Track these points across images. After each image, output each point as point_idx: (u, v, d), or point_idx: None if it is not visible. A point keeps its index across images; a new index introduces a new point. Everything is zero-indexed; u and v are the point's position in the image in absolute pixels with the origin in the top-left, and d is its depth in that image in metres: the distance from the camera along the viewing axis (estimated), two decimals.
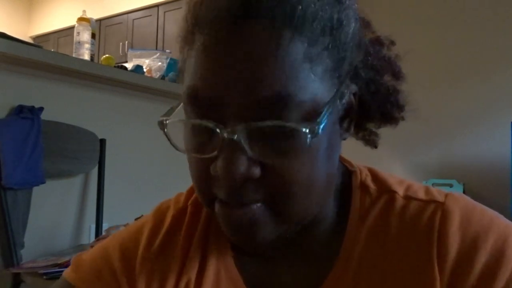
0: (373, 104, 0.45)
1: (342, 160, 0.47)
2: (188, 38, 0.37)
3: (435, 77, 2.76)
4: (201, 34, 0.35)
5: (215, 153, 0.35)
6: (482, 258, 0.37)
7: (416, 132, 2.64)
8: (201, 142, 0.37)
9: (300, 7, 0.34)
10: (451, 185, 2.53)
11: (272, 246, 0.40)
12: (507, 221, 0.41)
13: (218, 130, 0.34)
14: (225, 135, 0.34)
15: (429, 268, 0.38)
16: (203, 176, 0.37)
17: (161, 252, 0.47)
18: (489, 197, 2.46)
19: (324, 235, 0.44)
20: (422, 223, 0.40)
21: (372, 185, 0.44)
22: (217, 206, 0.37)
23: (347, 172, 0.47)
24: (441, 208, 0.40)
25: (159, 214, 0.50)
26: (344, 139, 0.42)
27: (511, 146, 2.32)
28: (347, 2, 0.38)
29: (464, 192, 2.49)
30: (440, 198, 0.42)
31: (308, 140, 0.34)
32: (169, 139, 0.40)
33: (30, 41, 5.25)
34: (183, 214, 0.49)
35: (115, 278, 0.47)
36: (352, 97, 0.41)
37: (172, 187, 2.44)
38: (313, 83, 0.35)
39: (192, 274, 0.45)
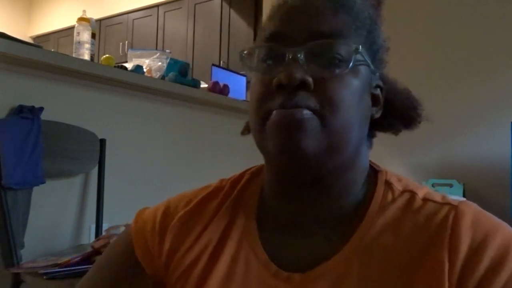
0: (396, 102, 0.56)
1: (369, 163, 0.56)
2: (266, 23, 0.52)
3: (435, 77, 2.76)
4: (282, 8, 0.50)
5: (280, 69, 0.46)
6: (490, 253, 0.42)
7: (416, 132, 2.64)
8: (270, 68, 0.48)
9: (351, 0, 0.50)
10: (451, 185, 2.53)
11: (310, 171, 0.47)
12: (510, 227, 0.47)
13: (285, 51, 0.46)
14: (291, 54, 0.46)
15: (439, 259, 0.43)
16: (265, 92, 0.47)
17: (192, 213, 0.56)
18: (489, 197, 2.46)
19: (344, 216, 0.50)
20: (436, 220, 0.46)
21: (396, 184, 0.52)
22: (272, 115, 0.46)
23: (374, 171, 0.54)
24: (454, 209, 0.46)
25: (201, 189, 0.60)
26: (372, 116, 0.52)
27: (511, 146, 2.33)
28: (378, 22, 0.53)
29: (464, 192, 2.49)
30: (454, 203, 0.48)
31: (345, 67, 0.46)
32: (244, 65, 0.52)
33: (30, 41, 5.25)
34: (220, 190, 0.59)
35: (154, 231, 0.56)
36: (379, 90, 0.53)
37: (172, 187, 2.45)
38: (353, 42, 0.47)
39: (215, 235, 0.53)
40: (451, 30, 2.75)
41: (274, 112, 0.45)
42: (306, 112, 0.44)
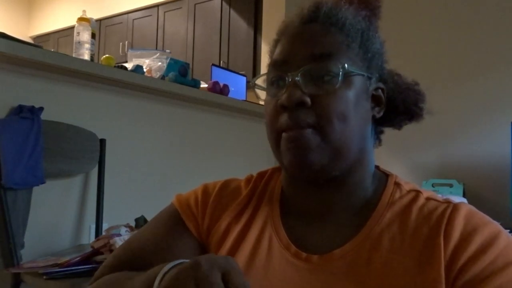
0: (397, 99, 0.62)
1: (380, 169, 0.63)
2: (275, 44, 0.61)
3: (435, 77, 2.76)
4: (283, 36, 0.59)
5: (283, 91, 0.54)
6: (478, 240, 0.49)
7: (416, 131, 2.64)
8: (276, 90, 0.57)
9: (342, 18, 0.57)
10: (451, 185, 2.53)
11: (320, 177, 0.55)
12: (502, 228, 0.52)
13: (286, 75, 0.55)
14: (290, 78, 0.54)
15: (436, 243, 0.50)
16: (273, 113, 0.56)
17: (228, 196, 0.66)
18: (489, 197, 2.46)
19: (356, 209, 0.58)
20: (436, 213, 0.53)
21: (404, 185, 0.59)
22: (282, 137, 0.54)
23: (384, 175, 0.62)
24: (452, 205, 0.54)
25: (234, 178, 0.70)
26: (374, 116, 0.59)
27: (511, 146, 2.33)
28: (371, 32, 0.60)
29: (464, 192, 2.49)
30: (453, 202, 0.55)
31: (336, 83, 0.53)
32: (256, 94, 0.62)
33: (30, 41, 5.25)
34: (250, 180, 0.68)
35: (197, 203, 0.66)
36: (380, 91, 0.60)
37: (172, 187, 2.44)
38: (346, 59, 0.55)
39: (245, 216, 0.62)
40: (451, 30, 2.75)
41: (283, 134, 0.54)
42: (308, 132, 0.52)
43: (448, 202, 0.55)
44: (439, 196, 0.57)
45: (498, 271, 0.47)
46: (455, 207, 0.53)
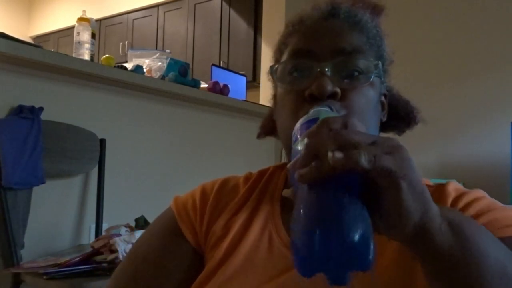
0: (399, 106, 0.65)
1: None
2: (287, 39, 0.61)
3: (435, 77, 2.76)
4: (302, 27, 0.59)
5: (309, 81, 0.53)
6: (465, 200, 0.54)
7: (416, 132, 2.64)
8: (297, 80, 0.56)
9: (362, 20, 0.58)
10: None
11: None
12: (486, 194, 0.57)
13: (313, 65, 0.54)
14: (319, 68, 0.53)
15: None
16: (296, 102, 0.55)
17: (227, 195, 0.65)
18: None
19: None
20: (430, 190, 0.55)
21: None
22: None
23: None
24: (442, 184, 0.58)
25: (233, 176, 0.70)
26: (381, 120, 0.61)
27: (511, 146, 2.33)
28: (384, 38, 0.61)
29: None
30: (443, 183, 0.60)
31: (366, 81, 0.54)
32: (274, 80, 0.61)
33: (30, 41, 5.25)
34: (250, 178, 0.68)
35: (195, 208, 0.65)
36: (383, 97, 0.62)
37: (172, 186, 2.44)
38: (370, 57, 0.56)
39: (244, 215, 0.62)
40: (452, 30, 2.75)
41: None
42: None
43: (439, 184, 0.59)
44: (432, 182, 0.61)
45: (485, 211, 0.51)
46: (445, 185, 0.57)
